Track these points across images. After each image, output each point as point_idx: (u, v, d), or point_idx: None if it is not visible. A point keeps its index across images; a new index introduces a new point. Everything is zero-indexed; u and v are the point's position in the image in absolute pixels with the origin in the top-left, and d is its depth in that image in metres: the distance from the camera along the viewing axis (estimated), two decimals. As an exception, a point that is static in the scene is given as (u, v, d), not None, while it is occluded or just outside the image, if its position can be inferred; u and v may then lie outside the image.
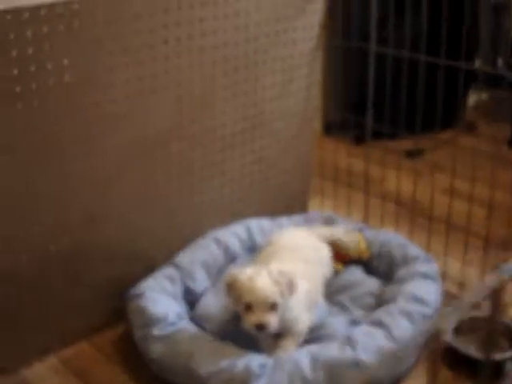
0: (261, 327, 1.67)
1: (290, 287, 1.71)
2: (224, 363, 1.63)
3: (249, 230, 2.18)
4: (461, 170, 2.09)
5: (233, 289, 1.71)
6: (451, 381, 1.76)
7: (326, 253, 2.05)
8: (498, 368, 1.78)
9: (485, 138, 2.07)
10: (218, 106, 2.04)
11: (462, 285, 2.09)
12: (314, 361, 1.63)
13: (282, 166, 2.33)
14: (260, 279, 1.68)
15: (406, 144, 3.06)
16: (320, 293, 1.94)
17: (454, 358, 1.82)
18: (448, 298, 2.02)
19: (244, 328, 1.70)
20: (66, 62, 1.63)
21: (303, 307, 1.78)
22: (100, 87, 1.73)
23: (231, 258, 2.11)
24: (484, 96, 3.54)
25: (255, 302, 1.67)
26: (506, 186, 1.95)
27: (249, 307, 1.68)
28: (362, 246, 2.12)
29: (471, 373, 1.77)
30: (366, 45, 2.29)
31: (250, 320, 1.67)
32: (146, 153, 1.90)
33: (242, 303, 1.69)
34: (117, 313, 1.97)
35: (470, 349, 1.80)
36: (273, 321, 1.67)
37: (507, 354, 1.77)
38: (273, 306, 1.67)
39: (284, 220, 2.28)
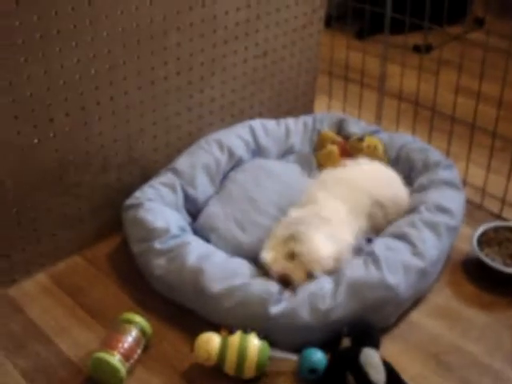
0: (285, 281, 1.49)
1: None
2: (238, 281, 1.47)
3: (253, 132, 1.97)
4: (475, 68, 1.88)
5: (289, 232, 1.53)
6: (475, 295, 1.64)
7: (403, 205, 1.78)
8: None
9: (495, 35, 1.85)
10: (219, -11, 1.78)
11: (484, 193, 1.94)
12: (337, 282, 1.48)
13: (287, 60, 2.10)
14: (326, 248, 1.51)
15: (412, 39, 2.83)
16: None
17: (478, 272, 1.69)
18: (469, 207, 1.88)
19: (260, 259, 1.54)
20: None
21: None
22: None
23: (236, 162, 1.91)
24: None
25: (304, 262, 1.49)
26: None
27: (292, 256, 1.51)
28: (379, 150, 1.94)
29: (497, 287, 1.65)
30: None
31: (281, 266, 1.50)
32: (140, 45, 1.65)
33: (288, 246, 1.51)
34: (111, 224, 1.80)
35: (496, 261, 1.66)
36: (301, 284, 1.49)
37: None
38: (311, 276, 1.50)
39: (290, 121, 2.07)
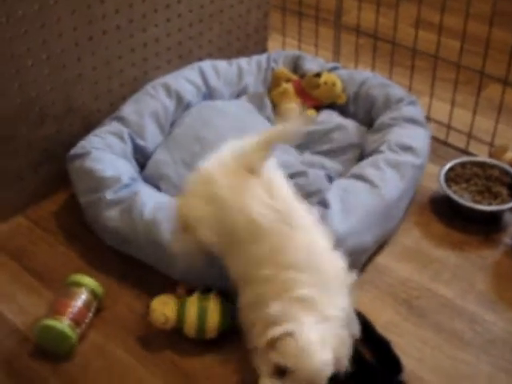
0: None
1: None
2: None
3: (203, 74, 1.83)
4: (433, 1, 1.78)
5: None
6: (445, 235, 1.56)
7: None
8: (495, 219, 1.59)
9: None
10: None
11: (449, 129, 1.85)
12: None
13: (237, -5, 1.95)
14: (321, 354, 1.05)
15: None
16: None
17: (447, 210, 1.62)
18: (434, 144, 1.79)
19: None
20: None
21: None
22: None
23: (185, 107, 1.77)
24: None
25: (298, 378, 1.05)
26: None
27: (282, 372, 1.05)
28: (337, 87, 1.83)
29: (467, 225, 1.58)
30: None
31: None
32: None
33: (272, 363, 1.06)
34: (54, 180, 1.66)
35: (465, 198, 1.59)
36: None
37: (507, 205, 1.57)
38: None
39: (243, 61, 1.93)
